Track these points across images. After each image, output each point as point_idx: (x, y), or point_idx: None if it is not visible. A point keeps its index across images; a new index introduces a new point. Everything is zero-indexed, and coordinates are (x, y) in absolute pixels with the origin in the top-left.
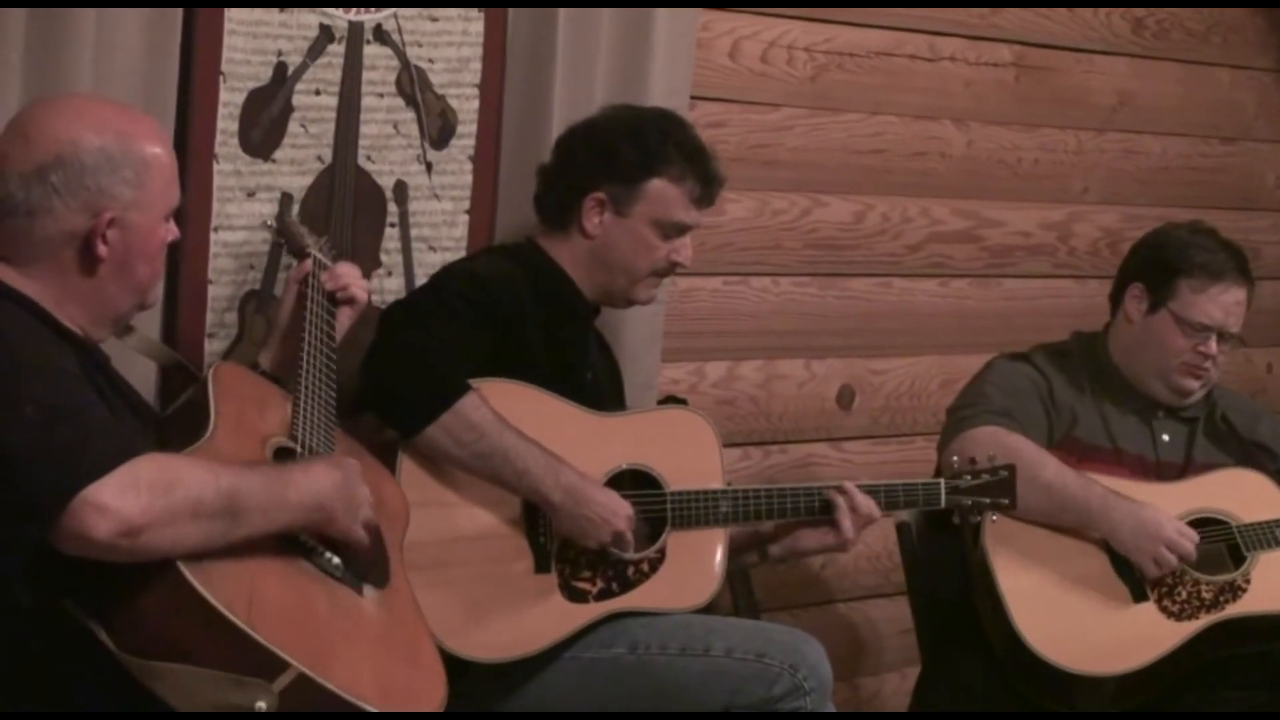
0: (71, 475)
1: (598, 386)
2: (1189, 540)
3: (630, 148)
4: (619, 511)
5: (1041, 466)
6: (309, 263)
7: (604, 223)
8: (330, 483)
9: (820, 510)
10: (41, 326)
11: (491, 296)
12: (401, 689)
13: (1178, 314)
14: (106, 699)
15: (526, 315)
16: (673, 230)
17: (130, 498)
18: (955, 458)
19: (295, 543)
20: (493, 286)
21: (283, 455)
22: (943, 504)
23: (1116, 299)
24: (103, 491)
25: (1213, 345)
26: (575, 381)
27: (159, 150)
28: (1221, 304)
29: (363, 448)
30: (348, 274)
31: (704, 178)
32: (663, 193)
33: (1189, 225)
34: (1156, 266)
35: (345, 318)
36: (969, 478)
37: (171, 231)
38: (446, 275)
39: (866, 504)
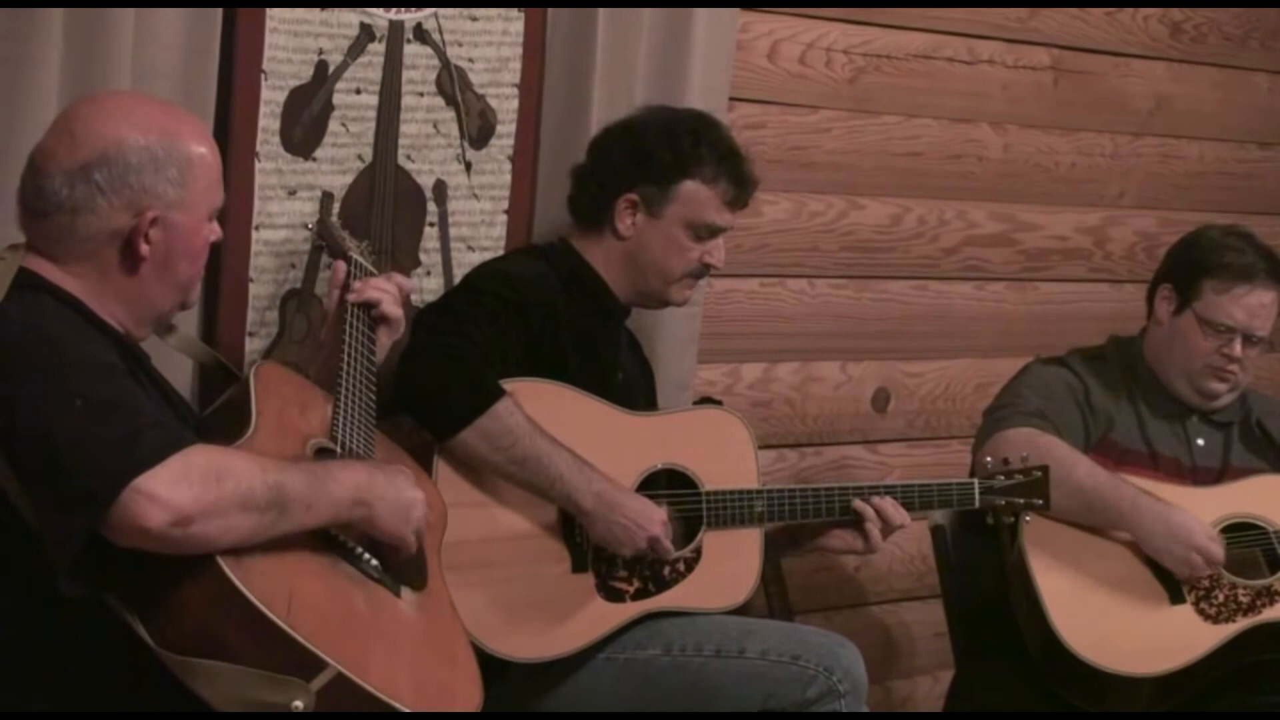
0: (123, 466)
1: (629, 387)
2: (1219, 546)
3: (663, 149)
4: (653, 518)
5: (1074, 467)
6: (342, 265)
7: (636, 224)
8: (369, 479)
9: (856, 511)
10: (85, 322)
11: (525, 297)
12: (439, 691)
13: (1201, 314)
14: (143, 694)
15: (559, 315)
16: (705, 232)
17: (183, 488)
18: (989, 458)
19: (335, 543)
20: (527, 287)
21: (323, 456)
22: (976, 504)
23: (1151, 301)
24: (155, 481)
25: (1237, 347)
26: (607, 381)
27: (204, 150)
28: (1245, 305)
29: (402, 451)
30: (379, 291)
31: (737, 179)
32: (695, 194)
33: (1224, 227)
34: (1184, 266)
35: (385, 337)
36: (1002, 478)
37: (214, 231)
38: (480, 276)
39: (898, 515)
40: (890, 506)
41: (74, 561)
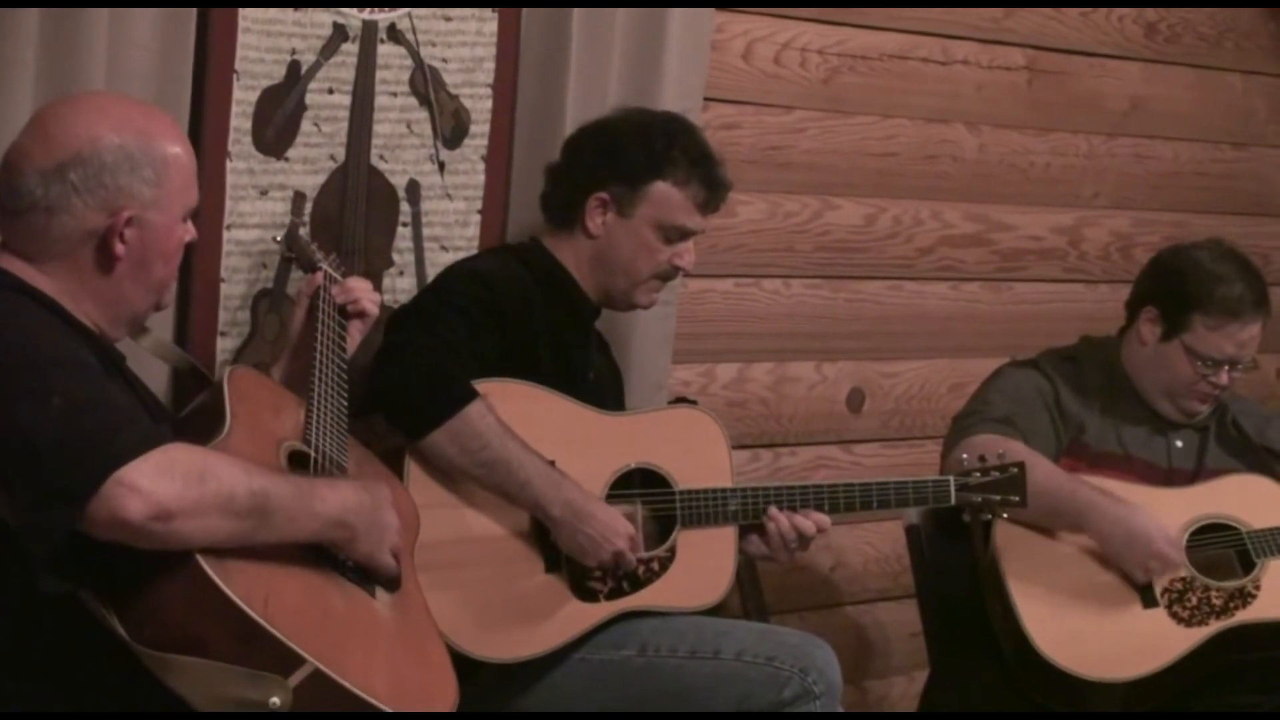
0: (105, 458)
1: (600, 387)
2: (1178, 552)
3: (636, 149)
4: (619, 531)
5: (1032, 470)
6: (319, 276)
7: (607, 223)
8: (356, 502)
9: (829, 509)
10: (60, 322)
11: (499, 298)
12: (415, 689)
13: (1190, 347)
14: (120, 691)
15: (532, 315)
16: (675, 234)
17: (165, 482)
18: (965, 455)
19: (312, 544)
20: (500, 287)
21: (297, 459)
22: (952, 501)
23: (1132, 312)
24: (137, 473)
25: (1224, 376)
26: (579, 382)
27: (179, 150)
28: (1236, 340)
29: (373, 455)
30: (358, 288)
31: (709, 183)
32: (666, 196)
33: (1211, 249)
34: (1174, 296)
35: (356, 331)
36: (979, 475)
37: (189, 231)
38: (453, 277)
39: (810, 526)
40: (802, 521)
41: (53, 557)
